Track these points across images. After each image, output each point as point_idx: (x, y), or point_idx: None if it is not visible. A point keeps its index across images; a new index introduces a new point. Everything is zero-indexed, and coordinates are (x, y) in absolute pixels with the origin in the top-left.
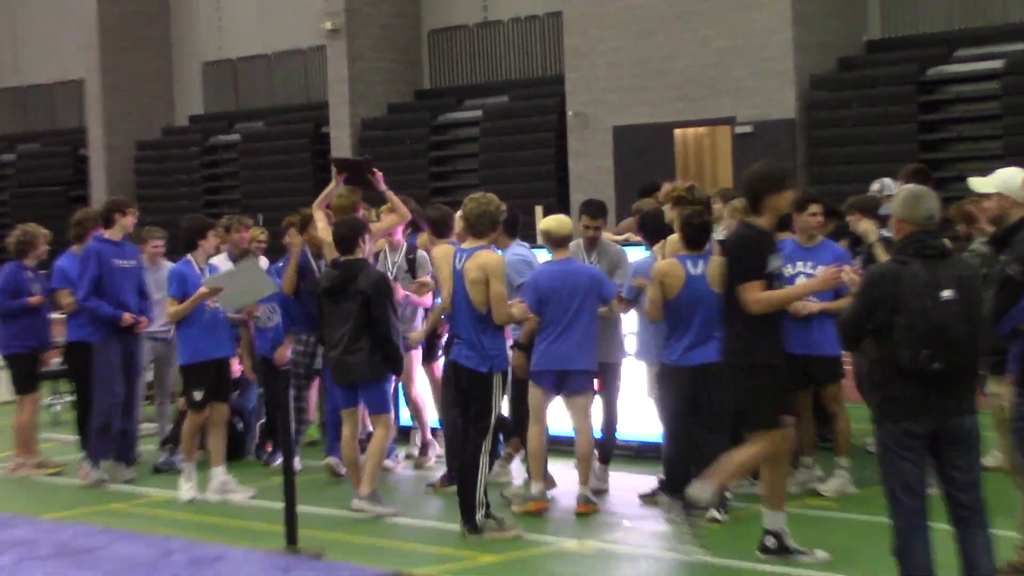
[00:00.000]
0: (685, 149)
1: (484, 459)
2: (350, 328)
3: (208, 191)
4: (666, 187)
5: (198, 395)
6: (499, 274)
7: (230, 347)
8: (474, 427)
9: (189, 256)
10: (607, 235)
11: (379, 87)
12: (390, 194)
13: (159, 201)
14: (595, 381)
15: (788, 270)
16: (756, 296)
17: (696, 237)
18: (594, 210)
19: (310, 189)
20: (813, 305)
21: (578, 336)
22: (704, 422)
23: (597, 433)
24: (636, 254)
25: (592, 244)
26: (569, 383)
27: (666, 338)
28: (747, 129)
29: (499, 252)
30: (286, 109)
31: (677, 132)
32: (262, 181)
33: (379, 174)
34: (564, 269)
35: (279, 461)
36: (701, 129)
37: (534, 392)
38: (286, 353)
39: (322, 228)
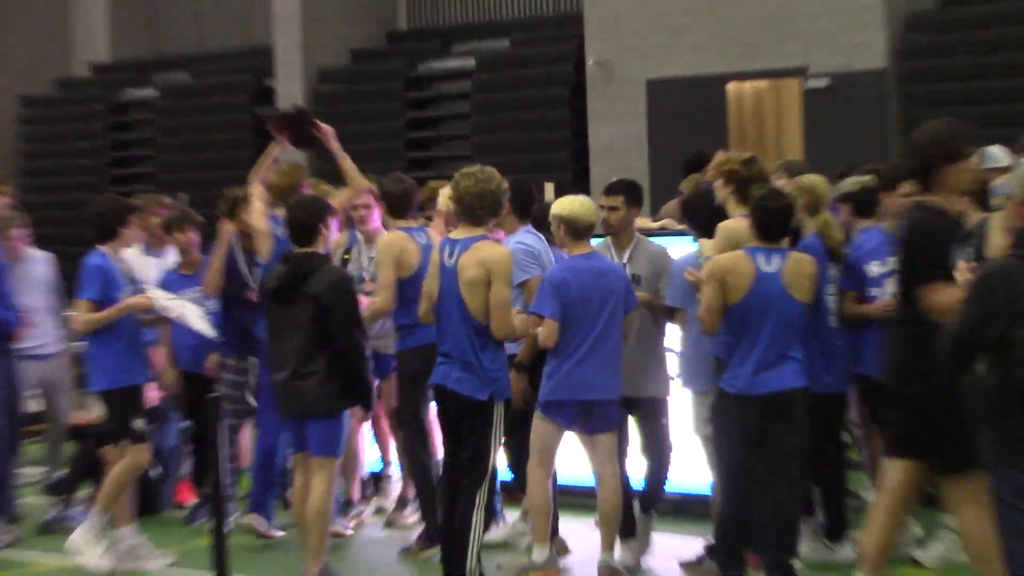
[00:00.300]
0: (740, 109)
1: (478, 515)
2: (300, 344)
3: (115, 162)
4: (718, 157)
5: (140, 423)
6: (506, 274)
7: (148, 369)
8: (466, 473)
9: (105, 248)
10: (642, 222)
11: (341, 27)
12: (343, 157)
13: (49, 176)
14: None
15: (875, 268)
16: (944, 299)
17: (772, 224)
18: (614, 187)
19: (249, 160)
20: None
21: (608, 356)
22: (774, 467)
23: (637, 482)
24: (677, 248)
25: (613, 233)
26: (594, 417)
27: (726, 357)
28: (822, 83)
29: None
30: (218, 56)
31: (731, 87)
32: (186, 150)
33: (327, 129)
34: (593, 267)
35: (205, 519)
36: (762, 83)
37: (543, 428)
38: (216, 358)
39: (257, 212)
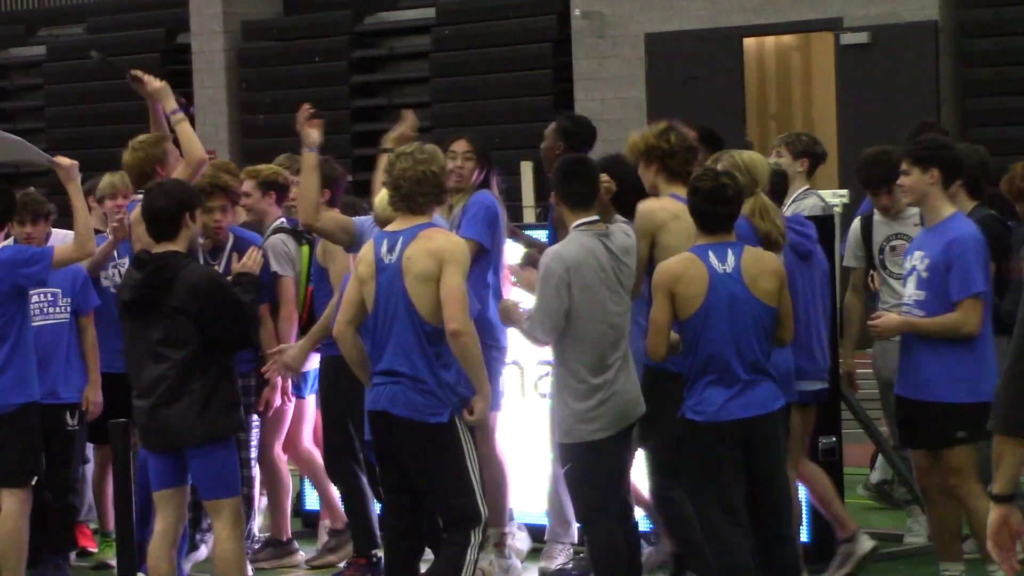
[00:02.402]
0: (761, 69)
1: (471, 554)
2: (170, 364)
3: None
4: (630, 139)
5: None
6: (463, 263)
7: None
8: (450, 513)
9: None
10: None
11: None
12: (178, 119)
13: None
14: None
15: (904, 263)
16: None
17: (712, 212)
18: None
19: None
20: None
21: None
22: (771, 522)
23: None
24: None
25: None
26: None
27: (686, 382)
28: (861, 38)
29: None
30: (120, 7)
31: (748, 42)
32: (82, 121)
33: (155, 81)
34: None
35: None
36: (787, 38)
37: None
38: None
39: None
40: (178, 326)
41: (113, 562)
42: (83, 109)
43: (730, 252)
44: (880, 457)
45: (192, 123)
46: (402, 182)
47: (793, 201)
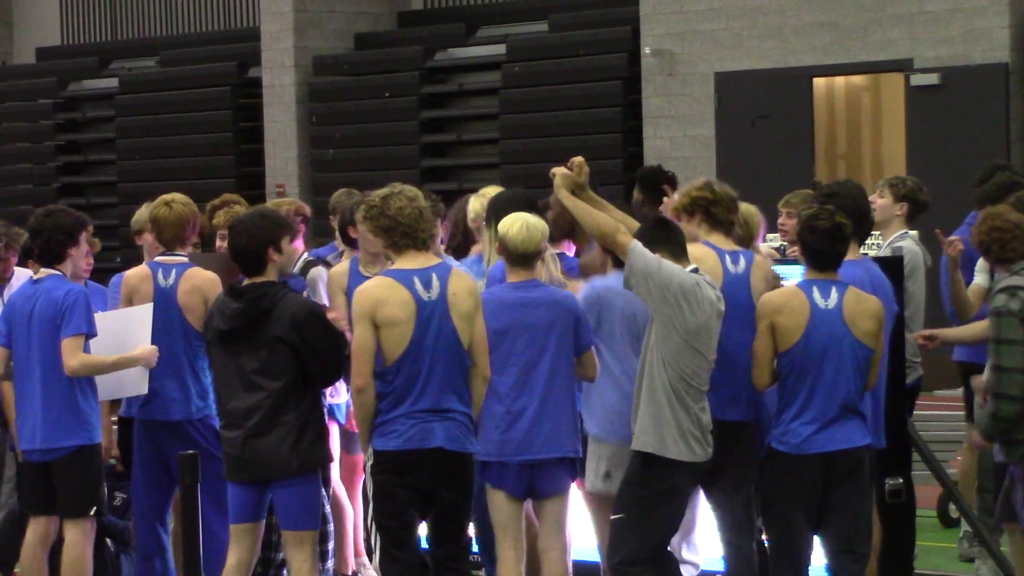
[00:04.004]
0: (830, 109)
1: None
2: (265, 395)
3: (66, 168)
4: (671, 202)
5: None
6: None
7: None
8: (457, 543)
9: (58, 269)
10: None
11: (342, 6)
12: None
13: None
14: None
15: None
16: None
17: (823, 249)
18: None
19: (230, 165)
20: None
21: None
22: (843, 539)
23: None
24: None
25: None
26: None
27: (777, 409)
28: (932, 79)
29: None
30: (193, 40)
31: (818, 82)
32: (154, 153)
33: None
34: (520, 298)
35: None
36: (857, 78)
37: (498, 501)
38: None
39: None
40: (276, 356)
41: None
42: (153, 141)
43: (834, 290)
44: None
45: (262, 157)
46: (401, 219)
47: (889, 244)
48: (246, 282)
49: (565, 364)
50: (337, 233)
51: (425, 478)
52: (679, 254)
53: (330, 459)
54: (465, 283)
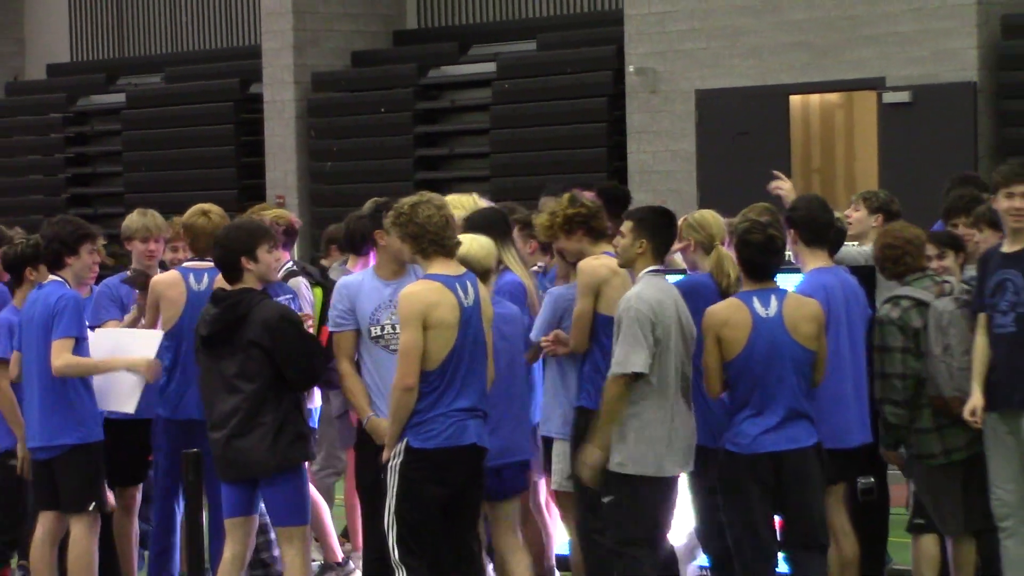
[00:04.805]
0: (806, 125)
1: None
2: (243, 397)
3: (75, 180)
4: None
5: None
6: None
7: None
8: (472, 531)
9: (59, 275)
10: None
11: (340, 25)
12: None
13: None
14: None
15: None
16: None
17: (759, 261)
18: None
19: (232, 177)
20: None
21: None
22: (800, 534)
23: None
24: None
25: (622, 266)
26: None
27: (728, 415)
28: (903, 97)
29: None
30: (197, 57)
31: (794, 100)
32: (159, 165)
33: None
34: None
35: None
36: (832, 96)
37: None
38: None
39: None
40: (251, 359)
41: None
42: (158, 154)
43: (773, 298)
44: None
45: (262, 170)
46: (429, 227)
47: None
48: (223, 289)
49: (519, 373)
50: (335, 247)
51: (458, 474)
52: (663, 252)
53: (310, 457)
54: (486, 292)
